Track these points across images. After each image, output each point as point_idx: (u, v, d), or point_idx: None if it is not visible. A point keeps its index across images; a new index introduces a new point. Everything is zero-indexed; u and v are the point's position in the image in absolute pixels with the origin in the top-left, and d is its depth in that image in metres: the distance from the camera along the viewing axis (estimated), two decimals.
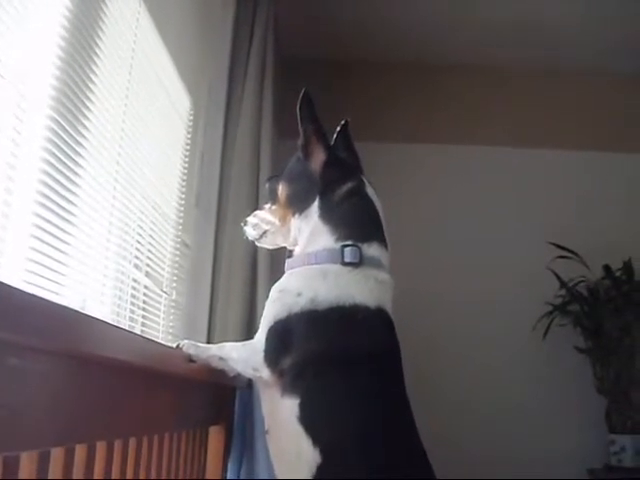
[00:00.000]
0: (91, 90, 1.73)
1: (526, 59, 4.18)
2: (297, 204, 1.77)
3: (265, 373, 1.56)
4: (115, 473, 1.26)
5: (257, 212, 1.94)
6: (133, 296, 2.14)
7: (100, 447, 1.20)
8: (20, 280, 1.40)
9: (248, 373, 1.62)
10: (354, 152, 1.91)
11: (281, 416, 1.53)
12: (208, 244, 2.70)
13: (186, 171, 2.68)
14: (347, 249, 1.65)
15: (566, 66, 4.21)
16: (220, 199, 2.80)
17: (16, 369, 0.87)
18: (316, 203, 1.73)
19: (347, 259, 1.64)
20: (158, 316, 2.37)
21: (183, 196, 2.65)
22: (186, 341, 1.71)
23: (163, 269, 2.42)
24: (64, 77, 1.58)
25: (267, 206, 1.90)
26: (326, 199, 1.73)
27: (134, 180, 2.07)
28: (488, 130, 4.24)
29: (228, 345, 1.70)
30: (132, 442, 1.36)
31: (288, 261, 1.75)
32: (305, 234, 1.74)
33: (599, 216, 4.04)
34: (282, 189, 1.82)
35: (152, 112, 2.25)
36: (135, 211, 2.10)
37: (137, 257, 2.16)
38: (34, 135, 1.46)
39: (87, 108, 1.71)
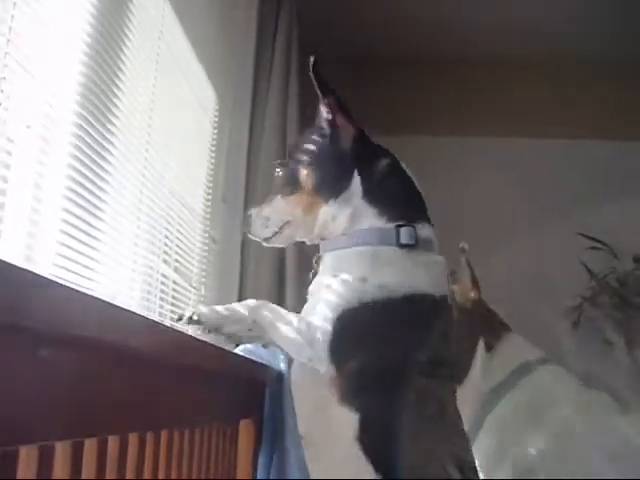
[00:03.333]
0: (118, 87, 1.74)
1: (548, 51, 4.14)
2: (330, 188, 1.55)
3: (326, 369, 1.36)
4: (147, 466, 1.27)
5: (266, 204, 1.65)
6: (162, 291, 2.15)
7: (132, 439, 1.21)
8: (50, 276, 1.41)
9: (301, 358, 1.40)
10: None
11: (333, 428, 1.35)
12: (236, 239, 2.71)
13: (213, 166, 2.69)
14: (403, 229, 1.46)
15: (596, 55, 4.16)
16: (247, 194, 2.80)
17: (49, 361, 0.88)
18: (357, 182, 1.52)
19: (403, 240, 1.45)
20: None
21: (210, 191, 2.66)
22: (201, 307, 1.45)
23: (192, 264, 2.43)
24: (91, 74, 1.59)
25: (279, 197, 1.62)
26: (367, 177, 1.52)
27: (161, 176, 2.08)
28: (514, 121, 4.21)
29: (273, 310, 1.45)
30: (164, 435, 1.37)
31: (323, 243, 1.56)
32: (344, 218, 1.51)
33: (629, 206, 3.99)
34: (307, 173, 1.58)
35: (178, 108, 2.26)
36: (163, 206, 2.11)
37: (166, 252, 2.17)
38: (62, 132, 1.47)
39: (114, 105, 1.72)
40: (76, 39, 1.53)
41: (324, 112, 1.57)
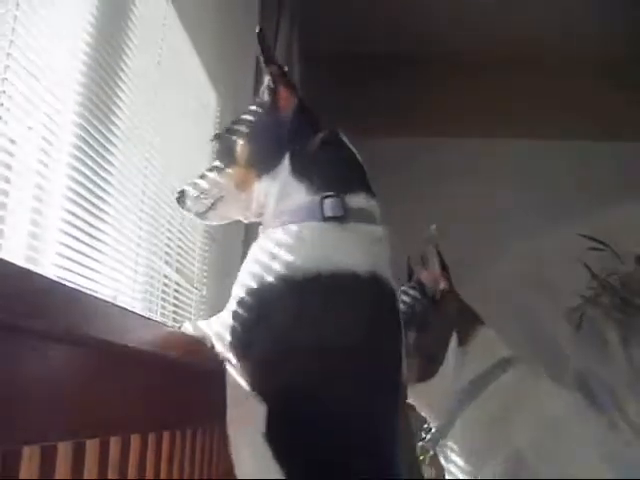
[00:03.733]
0: (120, 87, 1.74)
1: (548, 52, 4.13)
2: (263, 162, 1.45)
3: (231, 357, 1.27)
4: (149, 467, 1.27)
5: (199, 179, 1.57)
6: (164, 292, 2.15)
7: (134, 440, 1.21)
8: (51, 276, 1.41)
9: (219, 348, 1.31)
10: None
11: (243, 421, 1.24)
12: (237, 239, 2.71)
13: None
14: (327, 200, 1.33)
15: (598, 54, 4.15)
16: None
17: (53, 359, 0.88)
18: (286, 157, 1.42)
19: (328, 212, 1.32)
20: (189, 312, 2.38)
21: None
22: (186, 324, 1.45)
23: (193, 265, 2.43)
24: (93, 75, 1.59)
25: (213, 172, 1.55)
26: (298, 151, 1.42)
27: (163, 176, 2.08)
28: (515, 123, 4.21)
29: (213, 318, 1.40)
30: (166, 436, 1.37)
31: (260, 228, 1.48)
32: (274, 197, 1.42)
33: (631, 207, 3.99)
34: (242, 146, 1.49)
35: (180, 109, 2.26)
36: (165, 207, 2.11)
37: (167, 253, 2.17)
38: (64, 133, 1.47)
39: (116, 105, 1.72)
40: (78, 40, 1.53)
41: (266, 82, 1.49)
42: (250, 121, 1.52)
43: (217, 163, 1.55)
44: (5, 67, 1.22)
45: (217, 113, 2.76)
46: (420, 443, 2.02)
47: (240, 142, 1.49)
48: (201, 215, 1.57)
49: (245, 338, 1.26)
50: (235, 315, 1.28)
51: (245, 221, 1.58)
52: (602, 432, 2.01)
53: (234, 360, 1.26)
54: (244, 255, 2.71)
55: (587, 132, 4.12)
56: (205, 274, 2.54)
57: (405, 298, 2.07)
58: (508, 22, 3.94)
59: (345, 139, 1.49)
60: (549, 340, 3.87)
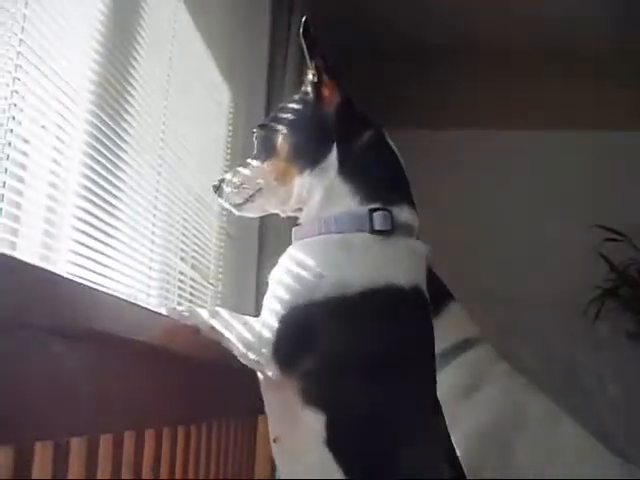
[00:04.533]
0: (132, 84, 1.75)
1: (568, 43, 4.10)
2: (306, 157, 1.43)
3: (273, 371, 1.27)
4: (164, 460, 1.28)
5: (239, 169, 1.55)
6: (180, 288, 2.16)
7: (149, 435, 1.22)
8: (66, 274, 1.42)
9: (248, 362, 1.31)
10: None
11: (301, 432, 1.25)
12: (252, 235, 2.71)
13: (228, 163, 2.70)
14: (377, 214, 1.33)
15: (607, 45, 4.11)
16: None
17: (64, 356, 0.89)
18: (333, 155, 1.40)
19: (377, 226, 1.33)
20: (205, 308, 2.39)
21: None
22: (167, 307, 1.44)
23: (209, 261, 2.44)
24: (105, 73, 1.59)
25: (254, 162, 1.53)
26: (346, 150, 1.40)
27: (177, 173, 2.09)
28: (529, 113, 4.18)
29: (225, 314, 1.38)
30: (180, 430, 1.37)
31: (296, 229, 1.44)
32: (318, 195, 1.40)
33: None
34: (283, 138, 1.47)
35: (192, 106, 2.27)
36: (179, 203, 2.12)
37: (183, 250, 2.18)
38: (77, 131, 1.48)
39: (128, 103, 1.73)
40: (88, 38, 1.54)
41: (310, 75, 1.46)
42: (293, 114, 1.49)
43: (258, 154, 1.53)
44: (16, 66, 1.23)
45: (231, 110, 2.76)
46: None
47: (282, 135, 1.48)
48: (238, 207, 1.55)
49: (295, 352, 1.26)
50: (282, 329, 1.27)
51: (282, 215, 1.55)
52: (559, 412, 2.04)
53: (277, 371, 1.27)
54: (260, 250, 2.74)
55: (603, 121, 4.08)
56: (221, 269, 2.55)
57: None
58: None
59: (389, 140, 1.47)
60: (567, 332, 3.84)
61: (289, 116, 1.50)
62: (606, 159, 4.06)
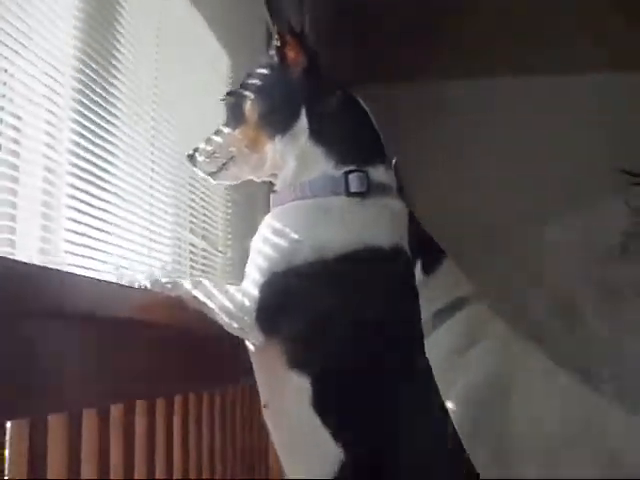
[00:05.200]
0: (119, 50, 1.70)
1: None
2: (275, 123, 1.42)
3: (257, 337, 1.28)
4: (176, 428, 1.31)
5: (212, 137, 1.53)
6: (192, 260, 2.17)
7: (160, 403, 1.25)
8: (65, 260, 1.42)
9: (233, 330, 1.31)
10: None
11: (287, 396, 1.27)
12: (258, 201, 2.70)
13: None
14: (352, 176, 1.33)
15: None
16: None
17: (63, 336, 0.92)
18: (303, 119, 1.39)
19: (353, 189, 1.32)
20: (217, 276, 2.40)
21: None
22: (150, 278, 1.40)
23: (217, 229, 2.44)
24: (90, 41, 1.55)
25: (226, 130, 1.51)
26: (315, 113, 1.39)
27: (174, 142, 2.05)
28: (546, 58, 4.07)
29: (207, 285, 1.37)
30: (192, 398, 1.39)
31: (273, 196, 1.43)
32: (291, 161, 1.39)
33: None
34: (251, 104, 1.45)
35: (189, 74, 2.23)
36: (183, 176, 2.10)
37: (192, 222, 2.18)
38: (66, 107, 1.45)
39: (117, 69, 1.69)
40: (71, 7, 1.48)
41: (274, 39, 1.43)
42: (260, 79, 1.48)
43: (229, 122, 1.52)
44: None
45: (230, 78, 2.74)
46: None
47: (249, 101, 1.46)
48: (213, 175, 1.53)
49: (277, 318, 1.27)
50: (263, 297, 1.27)
51: (257, 180, 1.55)
52: (556, 367, 2.01)
53: (261, 337, 1.28)
54: (266, 213, 2.72)
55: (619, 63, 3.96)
56: (229, 236, 2.55)
57: None
58: None
59: (361, 101, 1.45)
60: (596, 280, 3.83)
61: (256, 82, 1.48)
62: (628, 102, 3.93)
